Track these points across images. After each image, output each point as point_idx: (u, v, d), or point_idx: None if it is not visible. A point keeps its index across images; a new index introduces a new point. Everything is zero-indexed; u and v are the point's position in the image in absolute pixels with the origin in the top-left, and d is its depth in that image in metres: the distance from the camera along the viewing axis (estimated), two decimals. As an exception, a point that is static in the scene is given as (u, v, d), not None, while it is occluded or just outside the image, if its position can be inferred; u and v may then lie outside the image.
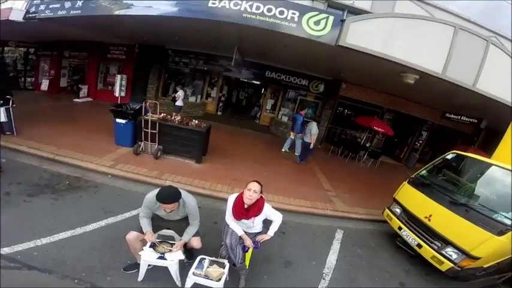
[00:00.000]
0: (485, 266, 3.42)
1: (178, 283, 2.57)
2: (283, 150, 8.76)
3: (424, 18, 5.00)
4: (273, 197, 4.95)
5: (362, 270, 3.61)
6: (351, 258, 3.84)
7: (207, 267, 2.40)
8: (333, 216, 4.95)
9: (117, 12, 5.58)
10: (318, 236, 4.25)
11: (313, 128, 7.45)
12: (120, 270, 2.65)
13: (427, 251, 3.63)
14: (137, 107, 6.09)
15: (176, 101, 9.51)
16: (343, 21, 4.72)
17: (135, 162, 5.31)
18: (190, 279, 2.38)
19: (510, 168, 3.43)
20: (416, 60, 5.00)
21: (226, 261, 2.51)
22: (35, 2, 6.87)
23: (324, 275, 3.33)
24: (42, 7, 6.67)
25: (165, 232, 2.72)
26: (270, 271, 3.17)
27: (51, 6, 6.48)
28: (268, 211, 2.64)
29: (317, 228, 4.48)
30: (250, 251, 2.80)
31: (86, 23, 7.13)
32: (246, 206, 2.55)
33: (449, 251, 3.43)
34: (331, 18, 4.77)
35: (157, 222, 2.59)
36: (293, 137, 8.31)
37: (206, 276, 2.34)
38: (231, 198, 2.65)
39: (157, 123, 5.65)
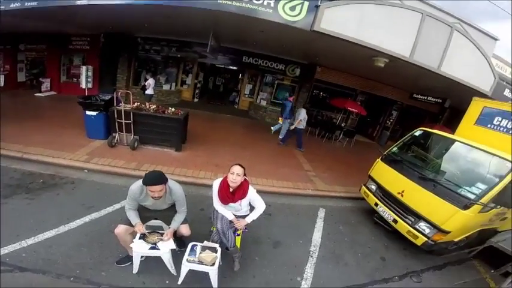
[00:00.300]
0: (456, 240, 3.63)
1: (173, 271, 2.61)
2: (272, 128, 9.08)
3: (394, 5, 5.17)
4: (256, 180, 5.05)
5: (345, 246, 3.80)
6: (334, 235, 4.02)
7: (200, 253, 2.44)
8: (314, 196, 5.16)
9: (79, 3, 5.16)
10: (302, 215, 4.42)
11: (302, 114, 7.74)
12: (113, 265, 2.63)
13: (403, 226, 3.79)
14: (107, 98, 5.77)
15: (146, 89, 9.15)
16: (317, 6, 4.76)
17: (111, 154, 5.12)
18: (185, 266, 2.41)
19: (472, 144, 3.66)
20: (386, 44, 5.22)
21: (217, 246, 2.55)
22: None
23: (311, 252, 3.49)
24: (-11, 0, 5.95)
25: (153, 223, 2.71)
26: (260, 252, 3.28)
27: (1, -2, 5.79)
28: (253, 195, 2.70)
29: (300, 208, 4.65)
30: (240, 234, 2.88)
31: (43, 14, 6.48)
32: (231, 190, 2.59)
33: (422, 225, 3.59)
34: (306, 3, 4.78)
35: (144, 214, 2.57)
36: (281, 122, 8.46)
37: (200, 262, 2.38)
38: (216, 184, 2.68)
39: (131, 113, 5.45)
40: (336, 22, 4.90)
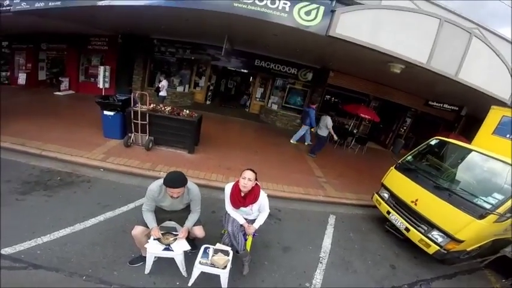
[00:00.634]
0: (468, 249, 3.58)
1: (184, 273, 2.64)
2: (306, 143, 9.04)
3: (411, 11, 5.11)
4: (267, 185, 5.07)
5: (355, 253, 3.78)
6: (344, 242, 4.01)
7: (212, 255, 2.47)
8: (325, 202, 5.14)
9: (100, 3, 5.32)
10: (312, 221, 4.42)
11: (329, 122, 7.61)
12: (126, 264, 2.68)
13: (415, 235, 3.76)
14: (124, 98, 5.94)
15: (160, 91, 9.34)
16: (333, 11, 4.76)
17: (127, 154, 5.25)
18: (197, 269, 2.44)
19: (489, 154, 3.61)
20: (403, 50, 5.14)
21: (230, 249, 2.58)
22: (8, -6, 6.42)
23: (320, 258, 3.48)
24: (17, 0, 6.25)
25: (168, 224, 2.76)
26: (269, 257, 3.29)
27: (27, -2, 6.07)
28: (264, 199, 2.72)
29: (311, 213, 4.64)
30: (250, 238, 2.90)
31: (65, 14, 6.73)
32: (242, 194, 2.62)
33: (435, 234, 3.57)
34: (322, 8, 4.78)
35: (159, 215, 2.61)
36: (314, 131, 8.55)
37: (212, 265, 2.41)
38: (228, 188, 2.71)
39: (147, 114, 5.58)
40: (352, 27, 4.87)
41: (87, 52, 11.33)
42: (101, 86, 10.23)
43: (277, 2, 4.77)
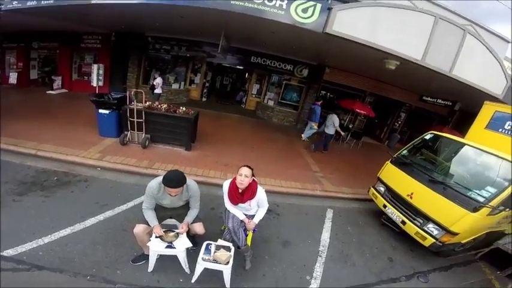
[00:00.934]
0: (463, 241, 3.66)
1: (187, 270, 2.66)
2: (303, 136, 9.18)
3: (407, 8, 5.14)
4: (265, 180, 5.10)
5: (353, 247, 3.85)
6: (342, 236, 4.07)
7: (214, 252, 2.49)
8: (323, 197, 5.20)
9: (94, 1, 5.23)
10: (311, 215, 4.47)
11: (336, 121, 7.79)
12: (128, 263, 2.69)
13: (411, 228, 3.83)
14: (119, 96, 5.88)
15: (155, 88, 9.27)
16: (330, 9, 4.76)
17: (123, 152, 5.22)
18: (200, 265, 2.45)
19: (482, 148, 3.68)
20: (398, 47, 5.20)
21: (231, 245, 2.61)
22: (-1, -8, 6.25)
23: (320, 252, 3.54)
24: (8, -2, 6.08)
25: (168, 221, 2.78)
26: (270, 251, 3.34)
27: (18, -4, 5.91)
28: (262, 194, 2.74)
29: (309, 208, 4.70)
30: (250, 233, 2.93)
31: (58, 13, 6.59)
32: (240, 191, 2.64)
33: (431, 227, 3.63)
34: (319, 5, 4.78)
35: (160, 213, 2.62)
36: (315, 127, 8.80)
37: (215, 261, 2.44)
38: (226, 184, 2.74)
39: (143, 112, 5.53)
40: (348, 24, 4.89)
41: (80, 50, 11.11)
42: (94, 84, 10.09)
43: (274, -1, 4.77)
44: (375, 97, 12.04)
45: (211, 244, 2.59)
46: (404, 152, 4.64)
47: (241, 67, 13.28)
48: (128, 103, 5.61)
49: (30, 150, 4.66)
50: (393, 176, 4.45)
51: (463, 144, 4.02)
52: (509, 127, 3.96)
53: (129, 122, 5.57)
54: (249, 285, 2.76)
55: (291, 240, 3.64)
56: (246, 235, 2.83)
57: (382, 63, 6.00)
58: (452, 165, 4.08)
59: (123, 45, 10.27)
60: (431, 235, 3.59)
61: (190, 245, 2.59)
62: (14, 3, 6.04)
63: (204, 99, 13.00)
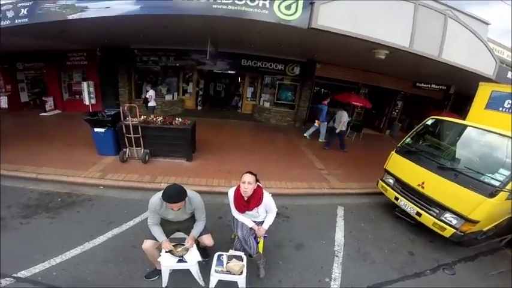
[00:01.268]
0: (484, 229, 3.51)
1: (201, 283, 2.61)
2: (305, 135, 9.33)
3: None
4: (270, 183, 5.04)
5: (370, 243, 3.73)
6: (357, 233, 3.96)
7: (227, 262, 2.43)
8: (331, 194, 5.11)
9: (70, 17, 5.14)
10: (321, 215, 4.38)
11: (344, 116, 7.96)
12: (142, 279, 2.66)
13: (427, 219, 3.69)
14: (113, 113, 5.79)
15: (149, 101, 9.19)
16: (312, 3, 4.75)
17: (124, 169, 5.17)
18: (214, 278, 2.40)
19: (489, 128, 3.54)
20: (384, 36, 5.23)
21: (243, 254, 2.55)
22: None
23: (336, 252, 3.45)
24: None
25: (177, 235, 2.72)
26: (283, 256, 3.26)
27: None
28: (269, 200, 2.67)
29: (318, 207, 4.62)
30: (261, 240, 2.87)
31: (35, 31, 6.44)
32: (245, 199, 2.58)
33: (448, 216, 3.49)
34: (301, 1, 4.76)
35: (166, 227, 2.57)
36: (318, 125, 8.96)
37: (228, 272, 2.38)
38: (231, 193, 2.68)
39: (139, 127, 5.47)
40: (333, 18, 4.89)
41: (67, 68, 10.95)
42: (87, 102, 10.00)
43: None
44: (369, 88, 12.13)
45: (222, 255, 2.53)
46: (408, 140, 4.52)
47: (232, 72, 13.27)
48: (122, 119, 5.54)
49: (31, 174, 4.67)
50: (400, 166, 4.33)
51: (467, 126, 3.90)
52: (509, 105, 3.93)
53: (126, 139, 5.49)
54: (267, 292, 2.70)
55: (304, 243, 3.56)
56: (257, 242, 2.76)
57: (372, 53, 6.03)
58: (459, 149, 3.95)
59: (110, 60, 10.12)
60: (450, 225, 3.45)
61: (200, 258, 2.54)
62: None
63: (199, 107, 12.97)
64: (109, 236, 3.29)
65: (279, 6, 4.80)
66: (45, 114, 10.15)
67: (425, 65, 6.72)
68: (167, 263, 2.42)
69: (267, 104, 11.90)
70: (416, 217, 3.90)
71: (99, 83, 10.41)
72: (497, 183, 3.13)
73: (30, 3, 5.29)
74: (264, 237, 2.82)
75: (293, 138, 9.30)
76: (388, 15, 5.19)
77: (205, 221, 2.65)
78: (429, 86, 11.08)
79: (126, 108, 5.62)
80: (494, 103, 4.16)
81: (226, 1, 4.73)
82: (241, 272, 2.38)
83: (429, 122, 4.44)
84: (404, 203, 4.10)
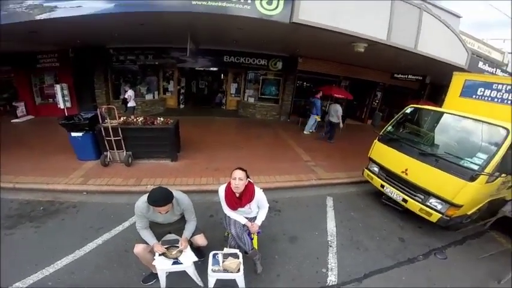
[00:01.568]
0: (469, 213, 3.61)
1: (199, 283, 2.58)
2: (305, 132, 9.38)
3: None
4: (259, 178, 5.03)
5: (361, 232, 3.80)
6: (348, 222, 4.04)
7: (223, 261, 2.41)
8: (319, 185, 5.19)
9: (38, 17, 4.83)
10: (311, 206, 4.44)
11: (339, 110, 8.22)
12: (139, 284, 2.61)
13: (414, 205, 3.79)
14: (90, 116, 5.49)
15: (128, 102, 8.86)
16: (292, -2, 4.77)
17: (107, 174, 4.97)
18: (212, 277, 2.37)
19: (465, 115, 3.71)
20: (363, 30, 5.39)
21: (238, 251, 2.53)
22: None
23: (329, 242, 3.50)
24: None
25: (169, 237, 2.66)
26: (279, 250, 3.27)
27: None
28: (260, 195, 2.67)
29: (308, 199, 4.67)
30: (255, 236, 2.86)
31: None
32: (237, 195, 2.56)
33: (433, 201, 3.58)
34: (282, -4, 4.77)
35: (157, 229, 2.50)
36: (318, 119, 9.25)
37: (226, 270, 2.36)
38: (221, 190, 2.64)
39: (119, 129, 5.26)
40: (313, 12, 4.94)
41: (38, 71, 10.28)
42: (61, 106, 9.48)
43: (237, -5, 4.69)
44: (349, 80, 12.41)
45: (217, 254, 2.50)
46: (389, 128, 4.64)
47: (215, 68, 13.13)
48: (100, 121, 5.29)
49: (8, 184, 4.39)
50: (384, 154, 4.44)
51: (444, 113, 4.07)
52: (481, 93, 4.15)
53: (106, 142, 5.26)
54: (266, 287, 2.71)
55: (297, 235, 3.59)
56: (252, 239, 2.75)
57: (351, 47, 6.15)
58: (438, 135, 4.09)
59: (84, 61, 9.60)
60: (436, 210, 3.55)
61: (196, 258, 2.50)
62: None
63: (181, 106, 12.71)
64: (99, 243, 3.19)
65: (260, 1, 4.78)
66: (17, 121, 9.52)
67: (402, 57, 6.97)
68: (162, 266, 2.37)
69: (251, 100, 11.89)
70: (403, 203, 4.00)
71: (73, 85, 9.89)
72: (476, 167, 3.23)
73: (-7, 4, 4.91)
74: (258, 233, 2.81)
75: (279, 132, 9.36)
76: (366, 9, 5.32)
77: (196, 221, 2.60)
78: (406, 76, 11.53)
79: (104, 110, 5.38)
80: (468, 91, 4.37)
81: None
82: (239, 270, 2.37)
83: (408, 110, 4.57)
84: (390, 190, 4.21)
